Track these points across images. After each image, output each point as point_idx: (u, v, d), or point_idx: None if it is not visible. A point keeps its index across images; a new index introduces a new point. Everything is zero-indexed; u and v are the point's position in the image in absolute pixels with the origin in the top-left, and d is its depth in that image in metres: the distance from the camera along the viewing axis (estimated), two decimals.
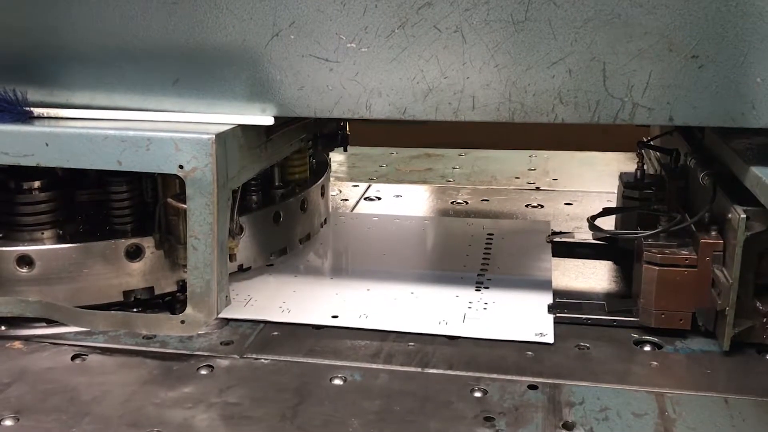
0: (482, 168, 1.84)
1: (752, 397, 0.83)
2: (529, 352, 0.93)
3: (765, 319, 0.92)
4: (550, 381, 0.86)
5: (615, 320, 1.01)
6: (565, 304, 1.05)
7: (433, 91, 0.91)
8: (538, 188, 1.67)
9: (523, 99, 0.89)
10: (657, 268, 0.96)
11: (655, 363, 0.90)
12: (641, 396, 0.83)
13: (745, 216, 0.88)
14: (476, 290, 1.11)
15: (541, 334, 0.97)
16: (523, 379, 0.87)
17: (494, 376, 0.87)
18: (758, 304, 0.92)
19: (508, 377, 0.87)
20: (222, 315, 1.00)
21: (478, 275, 1.17)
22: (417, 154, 2.00)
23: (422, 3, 0.87)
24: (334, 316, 1.02)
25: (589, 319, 1.01)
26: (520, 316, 1.02)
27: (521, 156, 1.94)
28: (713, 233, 0.95)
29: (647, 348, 0.94)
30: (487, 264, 1.22)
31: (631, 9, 0.84)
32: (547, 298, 1.07)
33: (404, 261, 1.24)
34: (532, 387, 0.85)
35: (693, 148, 1.10)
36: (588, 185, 1.62)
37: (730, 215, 0.91)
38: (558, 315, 1.02)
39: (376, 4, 0.88)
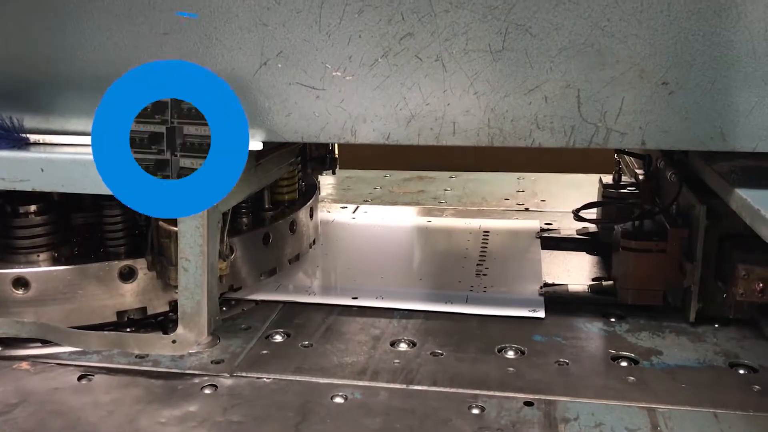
0: (473, 190, 1.87)
1: (740, 411, 0.85)
2: (511, 368, 0.95)
3: (724, 295, 1.04)
4: (545, 397, 0.88)
5: (597, 298, 1.14)
6: (553, 286, 1.20)
7: (416, 118, 0.94)
8: (527, 209, 1.70)
9: (501, 125, 0.92)
10: (633, 253, 1.09)
11: (632, 378, 0.92)
12: (633, 411, 0.85)
13: (705, 207, 1.01)
14: (476, 276, 1.25)
15: (534, 310, 1.11)
16: (519, 395, 0.89)
17: (491, 393, 0.89)
18: (719, 282, 1.04)
19: (504, 394, 0.89)
20: (257, 297, 1.16)
21: (477, 264, 1.31)
22: (410, 176, 2.03)
23: (404, 33, 0.91)
24: (354, 297, 1.16)
25: (575, 298, 1.15)
26: (515, 297, 1.16)
27: (509, 178, 1.97)
28: (680, 223, 1.08)
29: (624, 363, 0.96)
30: (485, 255, 1.36)
31: (603, 39, 0.87)
32: (539, 282, 1.21)
33: (410, 254, 1.40)
34: (528, 403, 0.87)
35: (663, 153, 1.20)
36: (574, 206, 1.64)
37: (693, 207, 1.04)
38: (548, 295, 1.16)
39: (360, 34, 0.91)
